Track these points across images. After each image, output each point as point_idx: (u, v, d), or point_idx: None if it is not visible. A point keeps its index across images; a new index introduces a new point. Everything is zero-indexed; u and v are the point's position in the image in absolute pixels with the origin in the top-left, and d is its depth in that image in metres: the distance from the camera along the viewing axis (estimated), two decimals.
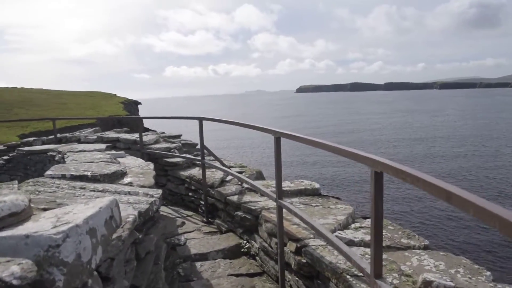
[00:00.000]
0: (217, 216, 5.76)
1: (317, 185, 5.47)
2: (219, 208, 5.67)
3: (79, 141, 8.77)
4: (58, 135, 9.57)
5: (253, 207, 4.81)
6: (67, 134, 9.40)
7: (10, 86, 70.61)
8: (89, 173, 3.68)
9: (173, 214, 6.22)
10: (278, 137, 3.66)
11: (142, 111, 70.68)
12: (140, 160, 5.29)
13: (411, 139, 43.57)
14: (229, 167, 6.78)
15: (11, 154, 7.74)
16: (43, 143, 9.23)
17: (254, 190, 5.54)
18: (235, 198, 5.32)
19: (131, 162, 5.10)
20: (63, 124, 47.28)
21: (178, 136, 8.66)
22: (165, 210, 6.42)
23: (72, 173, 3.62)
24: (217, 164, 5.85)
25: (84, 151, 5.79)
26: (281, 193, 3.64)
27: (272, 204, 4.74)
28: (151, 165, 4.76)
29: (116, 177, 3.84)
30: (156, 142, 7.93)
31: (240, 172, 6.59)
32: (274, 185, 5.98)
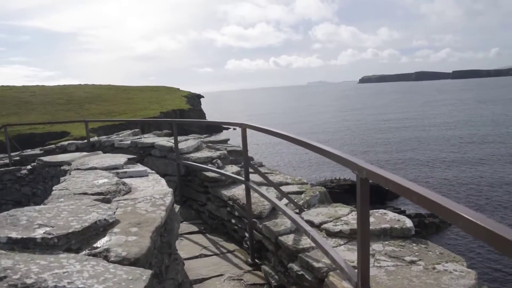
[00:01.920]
0: (266, 259, 4.17)
1: (408, 223, 3.74)
2: (269, 249, 4.08)
3: (112, 146, 7.54)
4: (96, 138, 8.43)
5: (315, 264, 3.15)
6: (103, 138, 8.22)
7: (82, 83, 73.45)
8: (41, 233, 2.18)
9: (211, 248, 4.70)
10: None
11: (205, 104, 70.74)
12: (159, 187, 3.80)
13: (484, 136, 39.67)
14: (281, 184, 5.17)
15: (32, 164, 6.62)
16: (77, 148, 8.11)
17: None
18: (289, 240, 3.69)
19: (145, 191, 3.62)
20: (127, 118, 47.40)
21: (225, 141, 7.14)
22: (201, 240, 4.92)
23: (12, 235, 2.14)
24: (263, 189, 4.25)
25: (95, 168, 4.41)
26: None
27: (353, 256, 3.08)
28: (168, 199, 3.25)
29: (91, 235, 2.33)
30: (197, 149, 6.46)
31: (299, 192, 4.96)
32: (347, 215, 4.30)
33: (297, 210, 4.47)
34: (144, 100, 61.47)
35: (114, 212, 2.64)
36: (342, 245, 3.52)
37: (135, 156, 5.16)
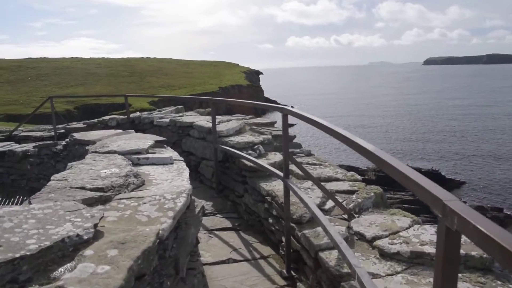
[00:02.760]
0: (304, 273, 3.42)
1: None
2: (307, 264, 3.32)
3: (151, 123, 7.02)
4: (138, 113, 7.96)
5: None
6: (144, 114, 7.72)
7: (144, 56, 75.02)
8: None
9: (242, 251, 4.01)
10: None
11: (264, 81, 69.95)
12: (178, 181, 3.13)
13: None
14: (329, 180, 4.36)
15: (66, 140, 6.23)
16: (118, 123, 7.70)
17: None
18: (332, 259, 2.90)
19: (159, 186, 2.98)
20: (186, 92, 47.78)
21: (271, 124, 6.35)
22: (233, 240, 4.24)
23: None
24: (308, 185, 3.48)
25: (114, 152, 3.82)
26: None
27: None
28: (181, 201, 2.56)
29: (53, 259, 1.67)
30: (239, 132, 5.74)
31: (350, 192, 4.14)
32: (407, 229, 3.43)
33: (345, 215, 3.66)
34: (204, 74, 61.75)
35: (96, 224, 1.98)
36: (399, 273, 2.69)
37: (164, 139, 4.52)
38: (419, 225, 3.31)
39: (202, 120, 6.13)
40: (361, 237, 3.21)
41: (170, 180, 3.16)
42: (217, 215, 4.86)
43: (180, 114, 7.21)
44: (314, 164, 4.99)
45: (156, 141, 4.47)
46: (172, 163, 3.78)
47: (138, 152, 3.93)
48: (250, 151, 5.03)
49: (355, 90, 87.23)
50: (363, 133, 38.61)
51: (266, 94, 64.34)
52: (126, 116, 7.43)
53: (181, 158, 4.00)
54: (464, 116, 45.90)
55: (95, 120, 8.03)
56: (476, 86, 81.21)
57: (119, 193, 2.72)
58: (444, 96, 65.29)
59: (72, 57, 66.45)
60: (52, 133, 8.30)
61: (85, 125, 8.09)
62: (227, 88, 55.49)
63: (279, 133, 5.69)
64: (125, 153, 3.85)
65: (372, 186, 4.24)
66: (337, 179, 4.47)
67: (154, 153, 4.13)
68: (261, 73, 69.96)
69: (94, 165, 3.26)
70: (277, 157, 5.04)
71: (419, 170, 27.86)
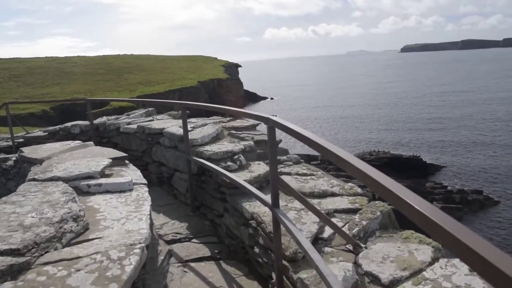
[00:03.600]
0: None
1: None
2: None
3: (118, 130, 6.17)
4: (104, 118, 7.09)
5: None
6: (110, 119, 6.84)
7: (121, 53, 73.25)
8: None
9: None
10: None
11: (243, 74, 68.97)
12: (134, 222, 2.34)
13: None
14: (325, 195, 3.64)
15: (16, 156, 5.35)
16: (81, 130, 6.81)
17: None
18: None
19: (107, 232, 2.18)
20: (143, 91, 46.70)
21: (253, 127, 5.56)
22: (212, 274, 3.47)
23: None
24: (294, 228, 2.74)
25: (58, 179, 3.00)
26: None
27: None
28: (132, 262, 1.79)
29: None
30: (216, 138, 4.95)
31: (352, 211, 3.42)
32: (430, 264, 2.70)
33: (349, 246, 2.93)
34: (182, 69, 60.59)
35: None
36: None
37: (124, 155, 3.71)
38: (445, 260, 2.60)
39: (174, 126, 5.30)
40: (375, 279, 2.48)
41: (124, 220, 2.37)
42: (193, 240, 4.07)
43: (150, 119, 6.37)
44: (305, 174, 4.24)
45: (115, 158, 3.66)
46: (131, 189, 3.00)
47: (89, 176, 3.12)
48: (229, 163, 4.25)
49: (335, 80, 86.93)
50: (346, 124, 38.25)
51: (245, 87, 63.51)
52: (89, 123, 6.55)
53: (143, 181, 3.21)
54: (443, 103, 45.95)
55: (57, 127, 7.12)
56: (453, 72, 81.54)
57: (46, 252, 1.92)
58: (423, 83, 65.41)
59: (46, 57, 64.34)
60: (10, 143, 7.38)
61: (46, 133, 7.19)
62: (206, 82, 54.48)
63: (263, 138, 4.92)
64: (72, 179, 3.05)
65: (377, 202, 3.51)
66: (333, 194, 3.74)
67: (111, 174, 3.33)
68: (240, 66, 69.03)
69: (21, 204, 2.44)
70: (261, 168, 4.27)
71: (400, 156, 27.55)
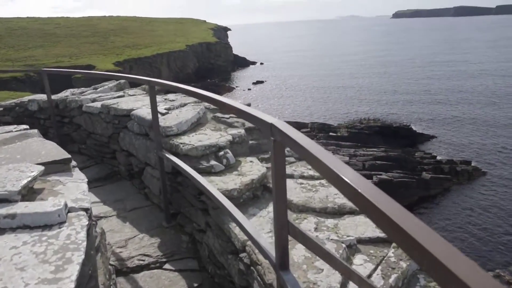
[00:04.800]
0: None
1: None
2: None
3: (80, 108, 5.00)
4: (68, 92, 5.88)
5: None
6: (74, 93, 5.63)
7: (107, 15, 70.21)
8: None
9: None
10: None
11: (232, 38, 66.53)
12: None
13: None
14: (340, 213, 2.61)
15: None
16: (39, 107, 5.62)
17: None
18: None
19: None
20: (129, 54, 44.96)
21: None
22: None
23: None
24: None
25: None
26: None
27: None
28: None
29: None
30: (197, 124, 3.84)
31: (383, 240, 2.41)
32: None
33: None
34: (169, 32, 58.33)
35: None
36: None
37: (67, 157, 2.61)
38: None
39: (145, 106, 4.15)
40: None
41: None
42: (167, 264, 3.04)
43: (121, 94, 5.19)
44: (312, 177, 3.18)
45: (53, 163, 2.56)
46: (63, 222, 1.94)
47: (3, 199, 2.03)
48: (213, 162, 3.17)
49: (326, 46, 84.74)
50: (337, 93, 37.22)
51: (235, 51, 61.49)
52: (47, 99, 5.34)
53: (85, 205, 2.13)
54: (435, 73, 44.85)
55: (13, 102, 5.90)
56: (448, 41, 79.53)
57: None
58: (417, 52, 63.96)
59: (28, 17, 61.24)
60: None
61: (1, 108, 5.98)
62: (194, 46, 52.50)
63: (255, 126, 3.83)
64: None
65: None
66: (353, 211, 2.70)
67: (41, 190, 2.25)
68: (229, 30, 66.71)
69: None
70: (255, 168, 3.19)
71: (390, 125, 26.76)
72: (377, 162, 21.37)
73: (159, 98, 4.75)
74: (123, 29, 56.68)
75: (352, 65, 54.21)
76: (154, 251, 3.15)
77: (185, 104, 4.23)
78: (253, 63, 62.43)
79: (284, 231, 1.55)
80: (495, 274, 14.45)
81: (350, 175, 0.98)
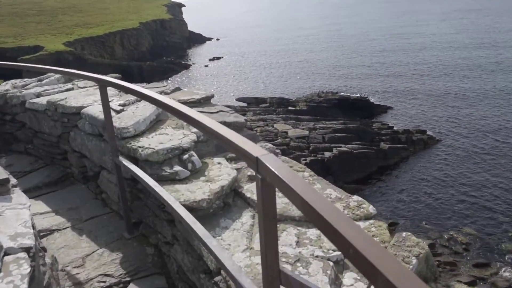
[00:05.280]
0: None
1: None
2: None
3: (23, 104, 4.43)
4: (8, 84, 5.24)
5: None
6: (16, 85, 5.00)
7: None
8: None
9: None
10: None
11: (187, 14, 64.40)
12: None
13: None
14: None
15: None
16: None
17: None
18: None
19: None
20: (80, 34, 42.98)
21: (208, 100, 4.02)
22: None
23: None
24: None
25: None
26: None
27: None
28: None
29: None
30: (157, 122, 3.44)
31: None
32: None
33: None
34: (121, 10, 55.79)
35: None
36: None
37: (4, 178, 2.18)
38: None
39: (97, 103, 3.70)
40: None
41: None
42: (131, 284, 2.69)
43: (69, 86, 4.63)
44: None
45: None
46: None
47: None
48: (176, 167, 2.81)
49: (283, 21, 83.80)
50: (300, 69, 37.04)
51: (190, 28, 59.75)
52: None
53: (27, 243, 1.75)
54: (392, 46, 45.43)
55: None
56: (401, 13, 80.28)
57: None
58: (373, 25, 64.41)
59: None
60: None
61: None
62: (148, 23, 50.54)
63: (224, 119, 3.46)
64: None
65: (404, 234, 2.27)
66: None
67: None
68: (184, 6, 64.59)
69: None
70: (224, 171, 2.86)
71: (348, 98, 26.99)
72: (336, 134, 21.51)
73: (112, 90, 4.28)
74: (72, 7, 53.68)
75: (308, 39, 54.03)
76: (116, 269, 2.79)
77: (141, 101, 3.80)
78: (209, 39, 61.08)
79: (276, 282, 1.25)
80: (449, 236, 15.06)
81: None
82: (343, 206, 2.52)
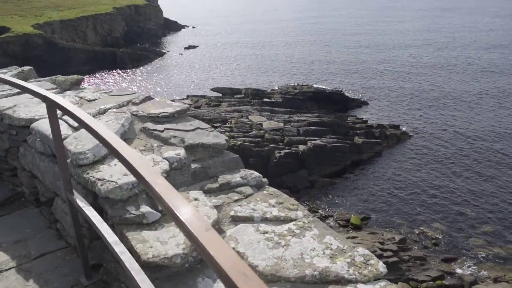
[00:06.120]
0: None
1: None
2: None
3: None
4: None
5: None
6: None
7: None
8: None
9: None
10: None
11: (163, 1, 62.50)
12: None
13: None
14: None
15: None
16: None
17: None
18: None
19: None
20: (50, 16, 41.08)
21: (183, 114, 3.44)
22: None
23: None
24: None
25: None
26: None
27: None
28: None
29: None
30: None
31: None
32: None
33: None
34: None
35: None
36: None
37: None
38: None
39: (41, 119, 3.05)
40: None
41: None
42: None
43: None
44: (278, 219, 2.37)
45: None
46: None
47: None
48: (144, 207, 2.25)
49: (261, 11, 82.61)
50: (277, 62, 36.55)
51: (165, 14, 58.05)
52: None
53: None
54: (369, 42, 45.38)
55: None
56: (382, 9, 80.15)
57: None
58: (351, 20, 64.24)
59: None
60: None
61: None
62: (122, 9, 48.76)
63: (201, 141, 2.91)
64: None
65: None
66: (339, 278, 1.96)
67: None
68: None
69: None
70: (201, 208, 2.32)
71: (323, 91, 26.77)
72: (311, 127, 21.20)
73: (71, 97, 3.65)
74: None
75: (286, 32, 53.44)
76: None
77: (105, 111, 3.19)
78: (185, 26, 59.58)
79: None
80: (420, 231, 15.06)
81: None
82: (348, 262, 2.03)
